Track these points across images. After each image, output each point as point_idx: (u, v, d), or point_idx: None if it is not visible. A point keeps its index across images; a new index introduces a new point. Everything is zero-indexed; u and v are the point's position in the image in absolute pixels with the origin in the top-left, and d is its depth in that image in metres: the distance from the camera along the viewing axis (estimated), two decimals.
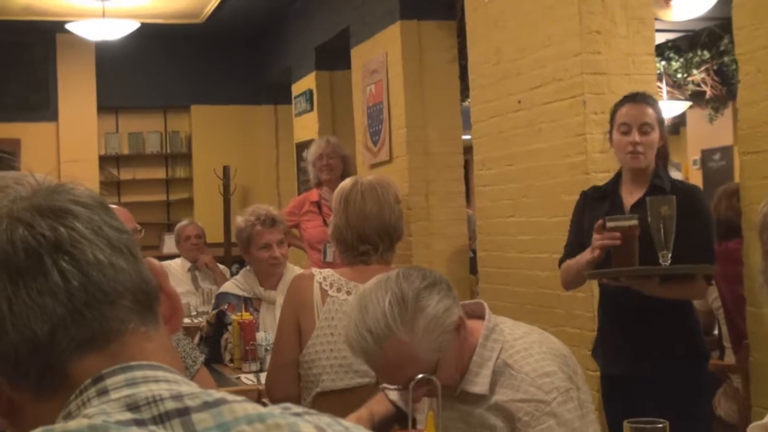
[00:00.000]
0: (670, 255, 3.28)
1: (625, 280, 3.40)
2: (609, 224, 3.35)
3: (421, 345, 2.13)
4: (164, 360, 0.94)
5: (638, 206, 3.51)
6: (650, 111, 3.59)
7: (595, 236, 3.37)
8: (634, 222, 3.33)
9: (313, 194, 6.52)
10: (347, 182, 3.14)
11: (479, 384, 2.24)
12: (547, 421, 2.13)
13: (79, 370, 0.91)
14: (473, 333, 2.28)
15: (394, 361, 2.14)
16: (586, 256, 3.46)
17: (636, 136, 3.53)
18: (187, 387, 0.90)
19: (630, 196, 3.61)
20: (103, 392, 0.88)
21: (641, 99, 3.67)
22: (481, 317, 2.34)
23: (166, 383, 0.90)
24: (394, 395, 2.62)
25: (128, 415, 0.85)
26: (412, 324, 2.12)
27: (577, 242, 3.72)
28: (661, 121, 3.62)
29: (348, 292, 2.95)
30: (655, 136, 3.56)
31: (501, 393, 2.22)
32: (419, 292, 2.14)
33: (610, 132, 3.68)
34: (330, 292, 2.95)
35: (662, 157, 3.67)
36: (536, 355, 2.25)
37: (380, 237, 3.04)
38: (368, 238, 3.03)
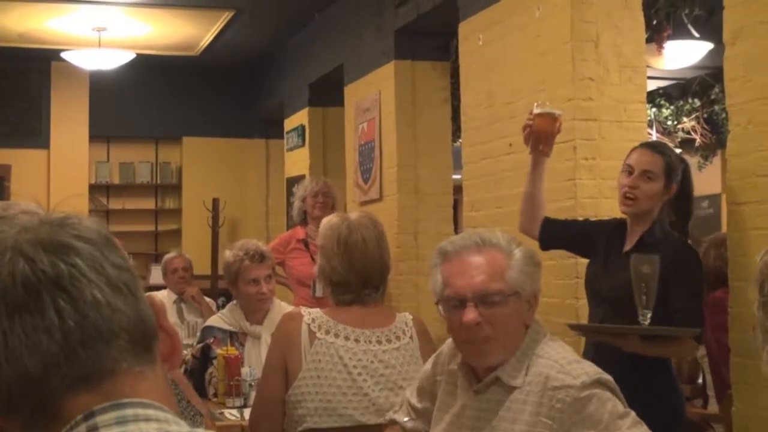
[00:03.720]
0: (650, 315, 3.25)
1: (603, 336, 3.37)
2: (536, 110, 3.63)
3: (511, 267, 2.30)
4: (158, 399, 0.94)
5: (629, 255, 3.50)
6: (658, 159, 3.50)
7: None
8: (559, 113, 3.65)
9: (299, 232, 6.54)
10: (335, 221, 3.10)
11: (519, 378, 2.25)
12: (577, 403, 2.11)
13: (70, 407, 0.91)
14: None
15: (482, 264, 2.32)
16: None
17: (633, 180, 3.48)
18: (176, 426, 0.91)
19: (629, 239, 3.60)
20: (93, 429, 0.89)
21: (654, 146, 3.65)
22: None
23: (156, 422, 0.90)
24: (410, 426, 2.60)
25: None
26: (514, 252, 2.33)
27: (566, 223, 3.90)
28: (668, 173, 3.51)
29: (336, 335, 2.94)
30: (655, 186, 3.47)
31: (527, 381, 2.23)
32: (530, 248, 2.38)
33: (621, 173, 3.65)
34: (318, 334, 2.94)
35: (683, 212, 3.60)
36: (566, 348, 2.31)
37: (381, 280, 3.04)
38: (371, 282, 3.03)
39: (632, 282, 3.24)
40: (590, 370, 2.16)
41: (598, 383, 2.13)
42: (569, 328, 3.64)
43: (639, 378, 3.38)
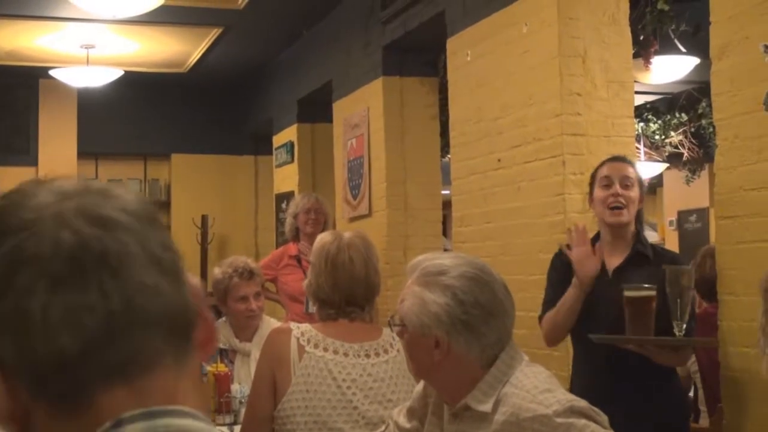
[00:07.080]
0: (684, 326, 3.30)
1: (635, 347, 3.37)
2: (626, 294, 3.31)
3: (407, 298, 2.24)
4: (192, 401, 0.88)
5: (619, 271, 3.51)
6: (631, 169, 3.64)
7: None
8: (652, 293, 3.29)
9: (291, 248, 6.55)
10: (328, 239, 3.11)
11: (488, 403, 2.18)
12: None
13: (103, 401, 0.84)
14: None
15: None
16: (569, 294, 3.48)
17: (618, 189, 3.55)
18: None
19: (610, 259, 3.59)
20: None
21: (622, 159, 3.75)
22: None
23: None
24: None
25: None
26: (415, 287, 2.22)
27: (556, 300, 3.71)
28: (640, 181, 3.65)
29: (325, 349, 2.94)
30: (635, 192, 3.58)
31: (501, 412, 2.15)
32: (451, 288, 2.18)
33: (591, 193, 3.69)
34: (307, 348, 2.94)
35: (640, 221, 3.69)
36: (541, 376, 2.20)
37: (366, 299, 3.05)
38: (356, 301, 3.03)
39: (668, 294, 3.26)
40: (562, 398, 2.11)
41: (571, 411, 2.08)
42: (596, 341, 3.60)
43: (655, 383, 3.51)
